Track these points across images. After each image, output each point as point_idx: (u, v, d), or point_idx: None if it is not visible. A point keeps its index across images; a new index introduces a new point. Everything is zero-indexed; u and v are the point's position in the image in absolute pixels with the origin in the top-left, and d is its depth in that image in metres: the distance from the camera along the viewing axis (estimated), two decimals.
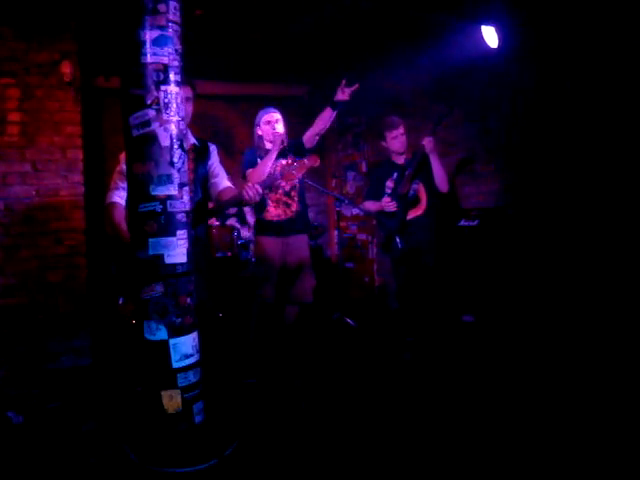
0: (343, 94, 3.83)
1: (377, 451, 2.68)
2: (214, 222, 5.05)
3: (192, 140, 3.35)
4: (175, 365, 2.47)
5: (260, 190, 3.19)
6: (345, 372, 3.89)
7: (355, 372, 3.87)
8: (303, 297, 4.12)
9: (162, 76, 2.44)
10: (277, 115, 4.05)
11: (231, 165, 5.50)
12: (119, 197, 3.16)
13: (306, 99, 6.59)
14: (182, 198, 2.52)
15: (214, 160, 3.44)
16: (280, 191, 4.03)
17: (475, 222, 4.46)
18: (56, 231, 4.40)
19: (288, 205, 4.06)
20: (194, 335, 2.55)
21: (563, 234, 4.09)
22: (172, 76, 2.48)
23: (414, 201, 4.33)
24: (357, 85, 3.83)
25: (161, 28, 2.44)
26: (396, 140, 4.36)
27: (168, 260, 2.47)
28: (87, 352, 4.44)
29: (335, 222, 5.80)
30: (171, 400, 2.47)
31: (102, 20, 4.37)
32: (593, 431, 2.68)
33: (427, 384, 3.51)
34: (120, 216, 3.08)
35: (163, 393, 2.47)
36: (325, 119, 3.96)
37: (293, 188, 4.06)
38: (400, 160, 4.43)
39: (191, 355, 2.53)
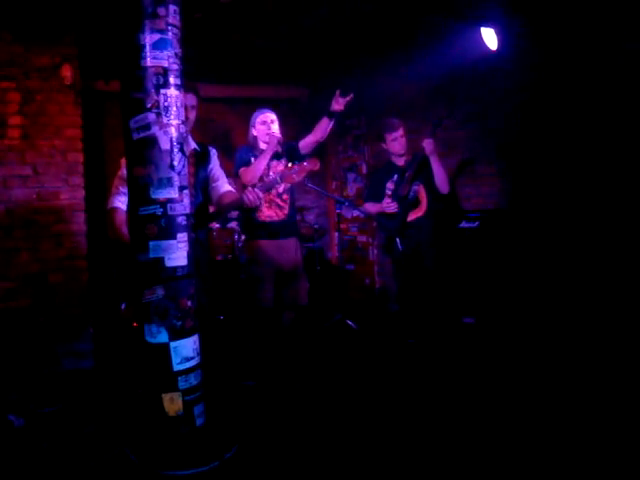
0: (338, 104, 3.89)
1: (378, 453, 2.68)
2: (215, 225, 5.05)
3: (193, 145, 3.37)
4: (176, 368, 2.48)
5: (261, 194, 3.22)
6: (346, 374, 3.89)
7: (356, 374, 3.87)
8: (299, 300, 4.09)
9: (162, 79, 2.45)
10: (272, 116, 4.05)
11: (230, 167, 5.51)
12: (120, 202, 3.18)
13: (305, 102, 6.59)
14: (182, 201, 2.53)
15: (214, 164, 3.46)
16: (274, 192, 3.98)
17: (475, 224, 4.46)
18: (57, 234, 4.40)
19: (280, 207, 4.03)
20: (195, 338, 2.55)
21: (564, 236, 4.09)
22: (172, 79, 2.48)
23: (414, 203, 4.33)
24: (351, 95, 3.86)
25: (161, 32, 2.45)
26: (396, 142, 4.37)
27: (168, 263, 2.47)
28: (89, 355, 4.44)
29: (336, 224, 5.81)
30: (172, 403, 2.47)
31: (102, 24, 4.37)
32: (593, 431, 2.68)
33: (428, 385, 3.51)
34: (121, 221, 3.09)
35: (164, 396, 2.47)
36: (323, 128, 3.99)
37: (285, 191, 4.04)
38: (400, 162, 4.44)
39: (192, 358, 2.53)
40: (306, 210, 6.32)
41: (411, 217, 4.33)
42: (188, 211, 2.57)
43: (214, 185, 3.42)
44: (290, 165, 3.57)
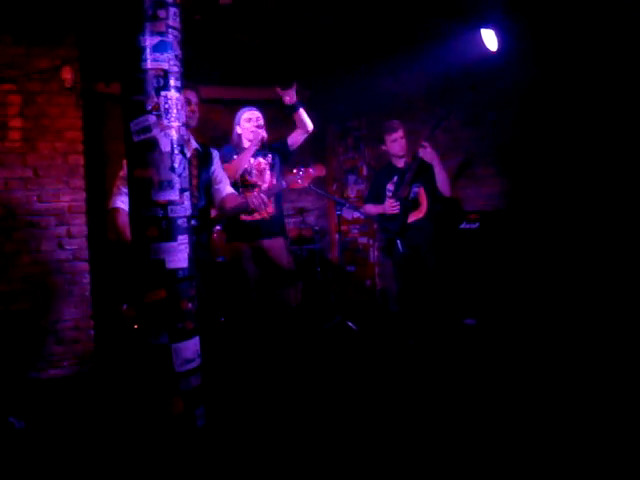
0: (288, 96, 4.01)
1: (377, 454, 2.69)
2: (215, 227, 5.04)
3: (194, 145, 3.38)
4: (177, 370, 2.48)
5: (266, 199, 3.22)
6: (346, 375, 3.89)
7: (356, 375, 3.87)
8: (288, 302, 4.06)
9: (162, 82, 2.45)
10: (257, 113, 4.08)
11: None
12: (122, 202, 3.18)
13: (306, 103, 6.58)
14: (183, 203, 2.52)
15: (217, 166, 3.47)
16: (256, 189, 3.91)
17: (476, 225, 4.46)
18: (58, 236, 4.41)
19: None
20: (195, 340, 2.55)
21: (564, 237, 4.09)
22: (172, 82, 2.48)
23: (414, 204, 4.34)
24: (294, 83, 4.01)
25: (161, 34, 2.45)
26: (395, 143, 4.38)
27: (169, 265, 2.47)
28: (89, 357, 4.45)
29: (336, 226, 5.80)
30: (173, 405, 2.47)
31: (103, 26, 4.38)
32: (592, 432, 2.68)
33: (428, 387, 3.51)
34: (124, 221, 3.08)
35: (165, 398, 2.47)
36: (300, 120, 4.07)
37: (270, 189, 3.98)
38: (400, 163, 4.44)
39: (192, 360, 2.53)
40: (306, 212, 6.32)
41: (411, 219, 4.34)
42: (189, 213, 2.57)
43: (217, 187, 3.43)
44: (295, 171, 3.57)
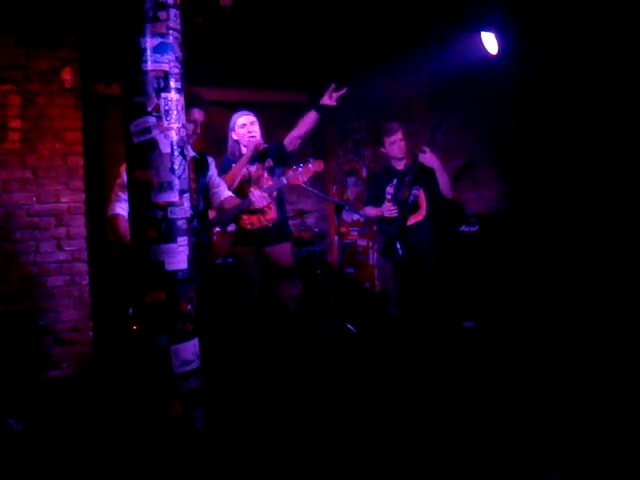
0: (330, 99, 3.79)
1: (376, 457, 2.68)
2: (215, 229, 5.05)
3: (192, 153, 3.39)
4: (176, 371, 2.47)
5: (266, 194, 3.23)
6: (345, 378, 3.88)
7: (355, 378, 3.87)
8: (284, 306, 4.03)
9: (162, 83, 2.45)
10: (252, 117, 3.96)
11: None
12: (121, 209, 3.20)
13: (306, 106, 6.58)
14: (183, 205, 2.52)
15: (213, 172, 3.52)
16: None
17: (475, 228, 4.46)
18: (57, 238, 4.40)
19: (263, 213, 3.92)
20: (194, 342, 2.55)
21: (563, 240, 4.09)
22: (172, 83, 2.48)
23: (414, 207, 4.34)
24: (345, 89, 3.78)
25: (162, 35, 2.45)
26: (395, 145, 4.37)
27: (169, 267, 2.46)
28: (88, 358, 4.44)
29: (336, 228, 5.81)
30: (172, 406, 2.47)
31: (103, 27, 4.39)
32: (592, 434, 2.68)
33: (427, 390, 3.51)
34: (125, 227, 3.08)
35: (164, 399, 2.47)
36: (309, 122, 3.91)
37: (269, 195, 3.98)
38: (400, 166, 4.44)
39: (192, 361, 2.53)
40: (306, 214, 6.32)
41: (411, 221, 4.34)
42: (188, 215, 2.57)
43: (215, 191, 3.46)
44: (295, 167, 3.56)
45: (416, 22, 4.45)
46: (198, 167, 3.44)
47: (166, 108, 2.46)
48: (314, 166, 3.46)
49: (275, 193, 3.93)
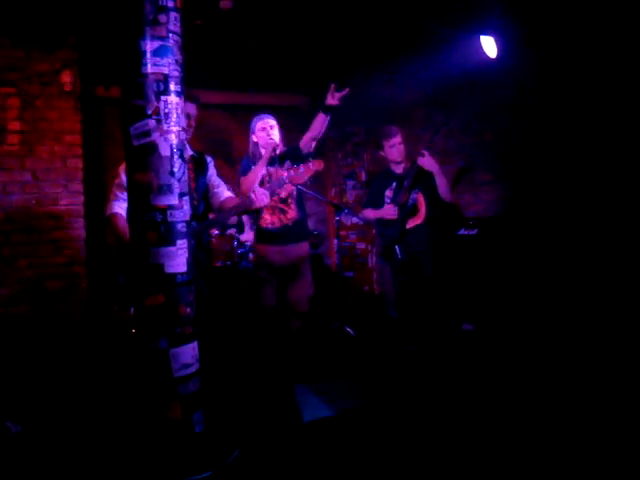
0: (333, 99, 3.85)
1: (375, 459, 2.68)
2: (214, 231, 5.05)
3: (190, 152, 3.39)
4: (175, 374, 2.47)
5: (267, 193, 3.23)
6: (343, 380, 3.88)
7: (353, 380, 3.86)
8: (297, 306, 4.09)
9: (162, 86, 2.45)
10: (272, 121, 4.04)
11: (230, 174, 5.51)
12: (120, 208, 3.20)
13: (305, 109, 6.60)
14: (182, 208, 2.52)
15: (212, 172, 3.52)
16: (275, 197, 3.96)
17: (474, 231, 4.46)
18: (56, 240, 4.40)
19: (284, 212, 4.04)
20: (194, 345, 2.55)
21: (562, 243, 4.10)
22: (172, 86, 2.48)
23: (413, 210, 4.34)
24: (347, 90, 3.83)
25: (162, 39, 2.45)
26: (394, 149, 4.37)
27: (168, 270, 2.46)
28: (87, 361, 4.43)
29: (335, 231, 5.81)
30: (171, 410, 2.47)
31: (103, 30, 4.39)
32: (591, 436, 2.68)
33: (426, 392, 3.50)
34: (124, 225, 3.09)
35: (163, 403, 2.46)
36: (319, 124, 3.97)
37: (290, 195, 4.05)
38: (399, 169, 4.44)
39: (191, 365, 2.52)
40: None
41: (410, 224, 4.34)
42: (188, 218, 2.57)
43: (215, 191, 3.46)
44: (295, 166, 3.58)
45: (415, 25, 4.46)
46: (197, 167, 3.43)
47: (166, 111, 2.46)
48: (314, 165, 3.48)
49: (295, 193, 4.06)
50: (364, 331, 5.12)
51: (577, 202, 4.03)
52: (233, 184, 4.28)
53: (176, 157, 2.50)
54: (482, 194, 4.92)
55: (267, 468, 2.65)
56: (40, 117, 4.37)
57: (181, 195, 2.52)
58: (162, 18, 2.45)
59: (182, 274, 2.51)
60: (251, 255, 5.18)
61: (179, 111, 2.52)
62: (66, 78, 4.42)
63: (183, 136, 2.57)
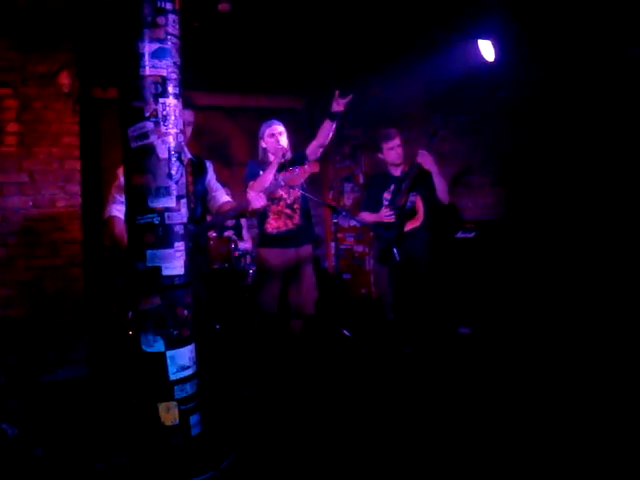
0: (338, 105, 3.92)
1: (373, 461, 2.67)
2: (212, 234, 5.05)
3: (188, 155, 3.39)
4: (172, 377, 2.47)
5: (263, 196, 3.24)
6: (341, 383, 3.87)
7: (351, 383, 3.86)
8: (303, 309, 4.12)
9: (160, 89, 2.45)
10: (280, 127, 4.08)
11: (229, 176, 5.51)
12: (118, 211, 3.20)
13: (303, 112, 6.61)
14: (180, 210, 2.52)
15: (211, 176, 3.54)
16: (282, 203, 4.05)
17: (472, 234, 4.47)
18: (53, 242, 4.38)
19: (290, 217, 4.07)
20: (191, 347, 2.55)
21: (559, 247, 4.10)
22: (170, 88, 2.49)
23: (411, 213, 4.34)
24: (351, 96, 3.91)
25: (160, 41, 2.45)
26: (392, 151, 4.37)
27: (166, 272, 2.46)
28: (84, 363, 4.42)
29: (332, 233, 5.80)
30: (168, 412, 2.46)
31: (101, 31, 4.38)
32: (590, 439, 2.68)
33: (423, 396, 3.50)
34: (121, 229, 3.10)
35: (160, 405, 2.46)
36: (326, 131, 4.04)
37: (296, 200, 4.08)
38: (397, 172, 4.44)
39: (188, 367, 2.52)
40: None
41: (408, 227, 4.33)
42: (185, 220, 2.57)
43: (213, 195, 3.48)
44: (291, 168, 3.60)
45: (413, 29, 4.46)
46: (195, 170, 3.45)
47: (164, 113, 2.46)
48: (310, 167, 3.52)
49: (300, 198, 4.10)
50: (361, 334, 5.11)
51: (574, 205, 4.04)
52: (231, 185, 4.27)
53: (174, 159, 2.50)
54: (480, 197, 4.92)
55: (263, 473, 2.65)
56: (38, 118, 4.36)
57: (179, 197, 2.52)
58: (160, 20, 2.45)
59: (179, 276, 2.51)
60: (249, 258, 5.19)
61: (177, 113, 2.52)
62: (64, 80, 4.41)
63: (181, 138, 2.57)
